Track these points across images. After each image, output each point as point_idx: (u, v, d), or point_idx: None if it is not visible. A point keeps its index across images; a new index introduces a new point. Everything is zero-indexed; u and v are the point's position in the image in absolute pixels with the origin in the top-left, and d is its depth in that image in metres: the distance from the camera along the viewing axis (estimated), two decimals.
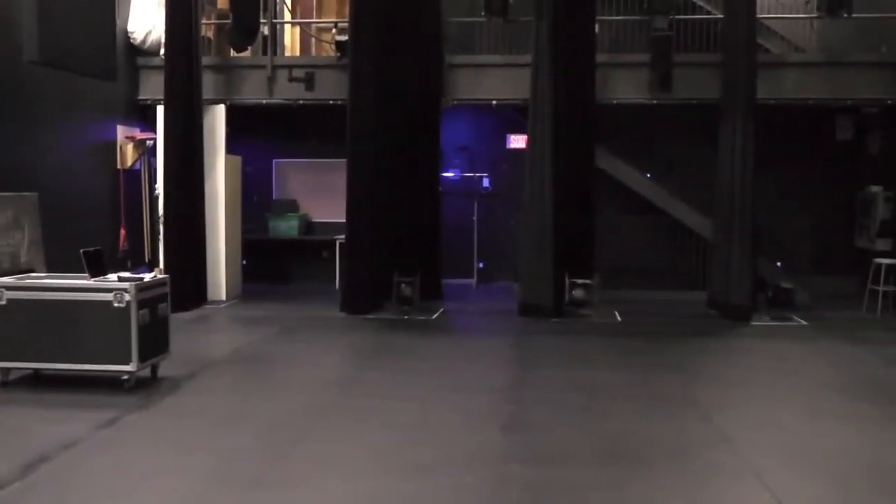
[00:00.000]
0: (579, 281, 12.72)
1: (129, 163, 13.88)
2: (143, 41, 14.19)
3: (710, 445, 6.76)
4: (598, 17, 13.68)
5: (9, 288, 8.17)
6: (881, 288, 13.17)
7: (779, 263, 14.65)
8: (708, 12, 14.48)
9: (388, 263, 13.09)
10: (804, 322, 12.38)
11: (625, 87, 14.02)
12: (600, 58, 13.48)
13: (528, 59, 13.05)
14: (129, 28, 14.12)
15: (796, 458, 6.44)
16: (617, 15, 14.57)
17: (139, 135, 14.06)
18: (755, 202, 12.76)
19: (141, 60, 14.44)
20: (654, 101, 13.96)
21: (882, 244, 14.22)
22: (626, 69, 14.01)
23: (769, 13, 14.33)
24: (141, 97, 14.50)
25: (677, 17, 13.89)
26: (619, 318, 12.74)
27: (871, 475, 6.10)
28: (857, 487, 5.86)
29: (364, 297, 12.95)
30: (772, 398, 8.33)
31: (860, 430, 7.18)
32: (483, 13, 13.64)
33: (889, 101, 13.66)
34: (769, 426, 7.30)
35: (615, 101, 13.94)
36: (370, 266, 13.00)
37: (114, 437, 6.83)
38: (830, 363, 9.80)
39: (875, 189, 14.55)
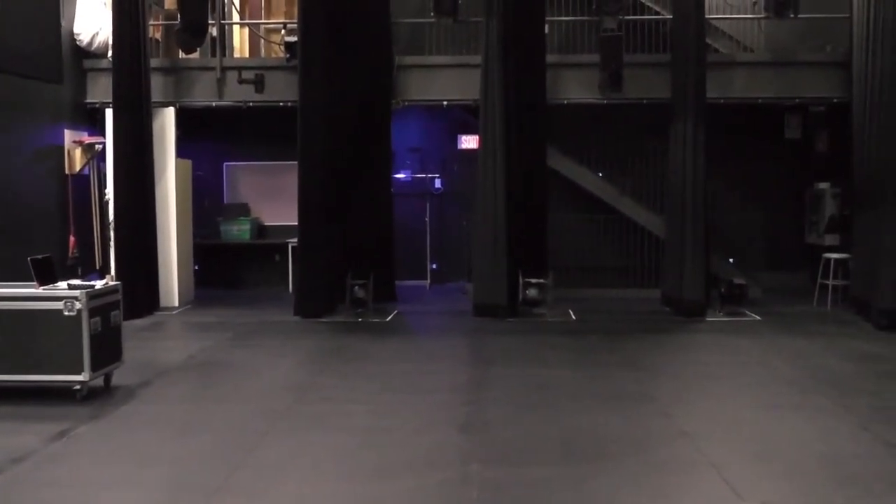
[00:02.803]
0: (533, 280, 12.75)
1: (77, 168, 13.63)
2: (90, 43, 13.95)
3: (669, 440, 6.81)
4: (548, 18, 13.75)
5: None
6: (831, 282, 13.37)
7: (731, 260, 14.83)
8: (657, 13, 14.60)
9: (341, 266, 13.03)
10: (757, 317, 12.54)
11: (575, 87, 14.07)
12: (551, 58, 13.55)
13: (478, 59, 13.06)
14: (76, 30, 13.87)
15: (752, 451, 6.51)
16: (567, 16, 14.63)
17: (87, 139, 13.83)
18: (707, 200, 12.91)
19: (88, 63, 14.20)
20: (605, 101, 14.03)
21: (831, 239, 14.46)
22: (577, 69, 14.07)
23: (718, 13, 14.48)
24: (89, 100, 14.25)
25: (627, 17, 13.98)
26: (573, 317, 12.79)
27: (824, 465, 6.17)
28: (812, 478, 5.92)
29: (318, 301, 12.86)
30: (727, 392, 8.42)
31: (813, 422, 7.28)
32: (432, 14, 13.61)
33: (835, 100, 13.86)
34: (725, 420, 7.37)
35: (566, 101, 13.99)
36: (323, 269, 12.92)
37: (66, 450, 6.69)
38: (783, 357, 9.91)
39: (823, 186, 14.79)
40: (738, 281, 13.04)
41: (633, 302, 14.07)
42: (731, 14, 14.59)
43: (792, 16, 13.16)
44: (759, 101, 14.02)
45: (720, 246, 14.41)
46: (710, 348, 10.66)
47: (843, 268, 13.39)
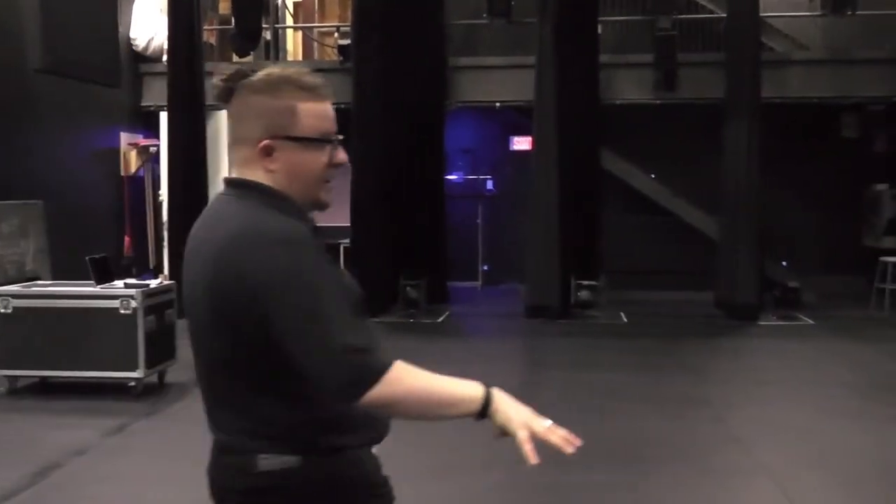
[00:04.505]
0: (585, 282, 12.68)
1: (132, 169, 13.85)
2: (146, 47, 14.17)
3: (723, 446, 6.73)
4: (601, 18, 13.65)
5: (15, 296, 8.13)
6: (888, 286, 13.11)
7: (785, 262, 14.60)
8: (711, 11, 14.44)
9: (394, 267, 13.07)
10: (811, 321, 12.33)
11: (629, 87, 13.99)
12: (604, 58, 13.44)
13: (531, 60, 13.02)
14: (132, 34, 14.10)
15: (808, 458, 6.40)
16: (620, 15, 14.54)
17: (142, 141, 14.04)
18: (761, 201, 12.73)
19: (143, 67, 14.42)
20: (659, 101, 13.92)
21: (889, 242, 14.17)
22: (630, 69, 13.98)
23: (773, 11, 14.29)
24: (144, 104, 14.46)
25: (680, 16, 13.85)
26: (625, 319, 12.71)
27: (883, 474, 6.06)
28: (870, 487, 5.82)
29: (369, 301, 12.85)
30: (782, 398, 8.29)
31: (871, 429, 7.14)
32: (486, 14, 13.60)
33: (895, 99, 13.60)
34: (780, 426, 7.26)
35: (619, 102, 13.91)
36: (375, 270, 12.95)
37: (123, 444, 6.81)
38: (839, 362, 9.75)
39: (882, 187, 14.52)
40: (792, 284, 12.81)
41: (685, 304, 13.91)
42: (787, 11, 14.38)
43: (850, 13, 12.94)
44: (816, 100, 13.80)
45: (774, 248, 14.19)
46: (764, 352, 10.52)
47: None
